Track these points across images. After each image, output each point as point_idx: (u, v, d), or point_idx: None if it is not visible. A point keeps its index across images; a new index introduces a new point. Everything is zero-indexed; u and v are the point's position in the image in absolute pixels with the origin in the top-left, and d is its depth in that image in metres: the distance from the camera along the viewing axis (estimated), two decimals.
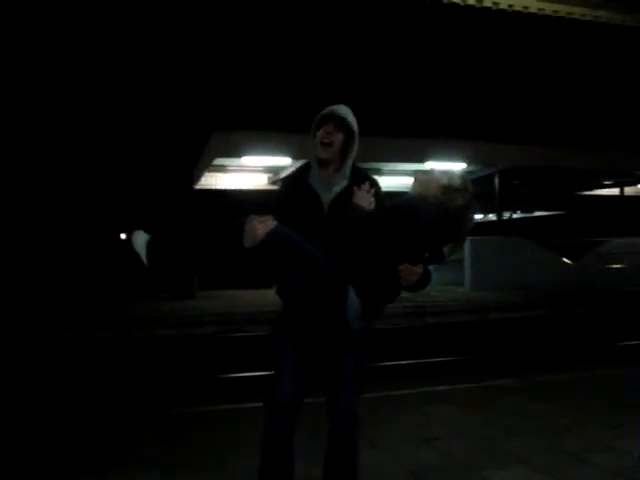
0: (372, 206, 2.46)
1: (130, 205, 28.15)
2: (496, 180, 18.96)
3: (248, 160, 15.86)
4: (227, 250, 2.28)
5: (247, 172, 18.23)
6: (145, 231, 2.45)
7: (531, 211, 28.40)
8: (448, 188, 2.42)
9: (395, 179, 19.49)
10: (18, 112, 29.67)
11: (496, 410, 4.58)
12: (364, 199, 2.46)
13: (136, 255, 2.37)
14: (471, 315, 12.23)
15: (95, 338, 9.87)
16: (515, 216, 28.08)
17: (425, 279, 2.37)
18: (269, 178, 18.79)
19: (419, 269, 2.32)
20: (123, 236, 26.41)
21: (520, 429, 4.07)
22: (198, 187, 19.78)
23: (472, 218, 2.51)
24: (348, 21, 30.26)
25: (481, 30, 26.80)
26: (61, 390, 6.31)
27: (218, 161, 16.33)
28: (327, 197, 2.54)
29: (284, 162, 15.79)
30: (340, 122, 2.52)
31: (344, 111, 2.55)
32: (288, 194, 2.64)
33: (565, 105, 29.73)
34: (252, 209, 2.57)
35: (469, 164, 17.66)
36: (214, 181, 18.98)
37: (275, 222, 2.23)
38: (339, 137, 2.53)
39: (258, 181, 18.99)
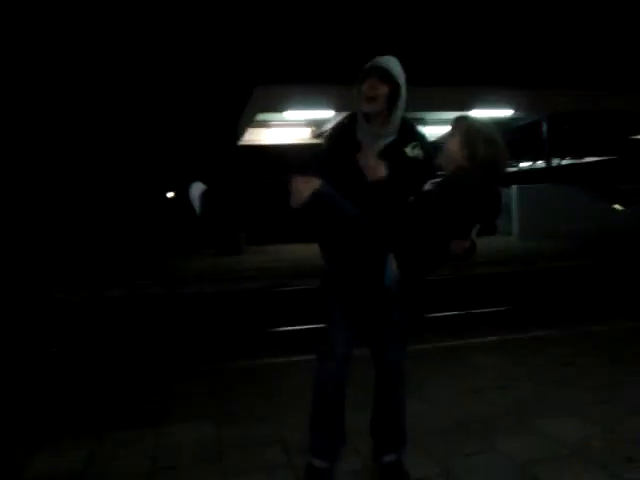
0: (379, 169, 2.36)
1: (176, 163, 28.46)
2: (544, 126, 18.40)
3: (290, 114, 15.77)
4: (273, 208, 2.28)
5: (290, 127, 18.14)
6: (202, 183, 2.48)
7: (581, 157, 27.46)
8: (492, 137, 2.32)
9: (440, 128, 19.11)
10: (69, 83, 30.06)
11: (544, 361, 4.53)
12: (369, 159, 2.39)
13: (189, 206, 2.43)
14: (519, 265, 12.06)
15: (146, 295, 10.13)
16: (564, 162, 27.25)
17: (472, 250, 2.36)
18: (312, 132, 18.66)
19: (467, 243, 2.31)
20: (170, 194, 26.85)
21: (569, 380, 4.02)
22: (242, 143, 19.83)
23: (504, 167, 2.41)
24: None
25: None
26: (116, 345, 6.50)
27: (260, 116, 16.30)
28: (373, 150, 2.48)
29: (327, 115, 15.63)
30: (385, 74, 2.44)
31: (390, 63, 2.47)
32: (334, 145, 2.62)
33: (613, 47, 28.32)
34: (298, 163, 2.58)
35: (516, 110, 17.13)
36: (257, 137, 18.98)
37: (319, 182, 2.20)
38: (384, 90, 2.44)
39: (301, 135, 18.89)
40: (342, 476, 2.69)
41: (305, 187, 2.17)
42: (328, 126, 16.17)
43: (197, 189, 2.41)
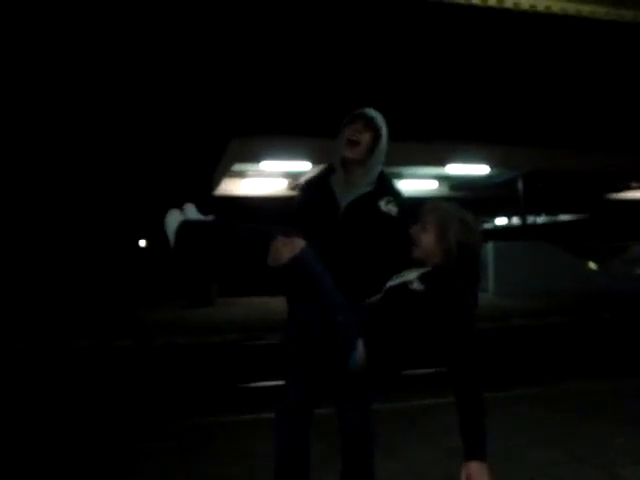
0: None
1: (149, 211, 28.24)
2: (520, 183, 18.63)
3: (267, 165, 15.75)
4: (249, 263, 2.20)
5: (266, 177, 18.10)
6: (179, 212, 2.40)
7: (556, 215, 27.91)
8: (467, 223, 2.24)
9: (416, 182, 19.24)
10: (34, 120, 29.98)
11: (517, 420, 4.46)
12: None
13: (160, 254, 2.28)
14: (494, 322, 11.90)
15: (114, 347, 9.82)
16: (540, 220, 27.64)
17: None
18: (289, 183, 18.64)
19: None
20: (142, 243, 26.53)
21: (540, 441, 3.93)
22: (217, 193, 19.71)
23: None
24: (367, 25, 30.11)
25: (500, 31, 26.45)
26: (79, 399, 6.27)
27: (237, 167, 16.25)
28: (345, 200, 2.44)
29: (303, 167, 15.63)
30: (369, 122, 2.45)
31: (375, 113, 2.49)
32: (307, 195, 2.59)
33: (590, 107, 29.20)
34: (273, 216, 2.53)
35: (492, 167, 17.35)
36: (233, 187, 18.89)
37: (302, 245, 2.09)
38: (367, 137, 2.44)
39: (277, 187, 18.85)
40: None
41: (285, 250, 2.07)
42: (304, 178, 16.14)
43: (174, 221, 2.32)
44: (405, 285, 2.15)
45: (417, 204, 2.34)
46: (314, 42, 30.60)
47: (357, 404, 2.47)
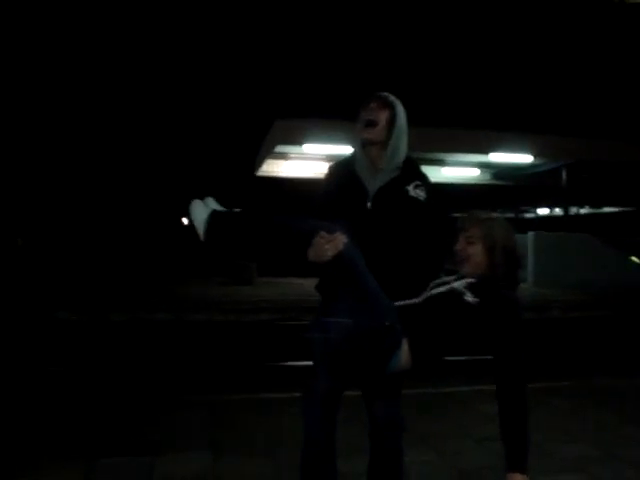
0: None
1: (193, 190, 28.70)
2: (563, 174, 18.35)
3: (309, 148, 15.87)
4: (288, 252, 2.18)
5: (308, 160, 18.24)
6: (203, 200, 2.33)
7: (599, 207, 27.34)
8: (510, 231, 2.27)
9: (458, 170, 19.14)
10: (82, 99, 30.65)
11: (550, 412, 4.42)
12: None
13: (192, 228, 2.30)
14: (532, 313, 11.87)
15: (152, 320, 10.07)
16: (582, 211, 27.13)
17: None
18: None
19: None
20: (185, 221, 27.01)
21: (576, 433, 3.91)
22: (259, 174, 19.95)
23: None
24: (412, 9, 29.76)
25: (547, 17, 25.84)
26: (116, 372, 6.42)
27: (280, 148, 16.42)
28: (373, 185, 2.40)
29: (345, 150, 15.69)
30: (383, 100, 2.41)
31: (387, 94, 2.43)
32: (333, 181, 2.52)
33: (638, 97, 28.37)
34: (309, 199, 2.48)
35: (536, 157, 17.13)
36: (275, 168, 19.10)
37: (345, 242, 2.04)
38: (383, 115, 2.38)
39: (319, 169, 18.97)
40: None
41: (329, 246, 2.02)
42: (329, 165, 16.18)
43: (201, 212, 2.27)
44: (457, 295, 2.15)
45: (442, 190, 2.40)
46: (362, 24, 30.43)
47: (388, 396, 2.45)
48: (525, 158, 17.20)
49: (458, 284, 2.17)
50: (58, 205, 28.08)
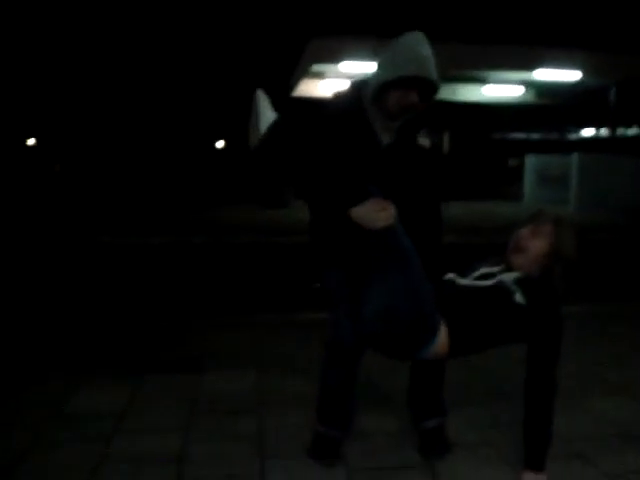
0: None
1: (226, 113, 28.49)
2: (612, 92, 17.54)
3: (346, 66, 15.45)
4: (335, 196, 2.08)
5: (345, 79, 17.79)
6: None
7: None
8: (578, 243, 2.18)
9: (501, 88, 18.47)
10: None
11: (595, 333, 4.39)
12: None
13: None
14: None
15: (189, 243, 10.18)
16: (630, 132, 26.11)
17: None
18: None
19: None
20: (219, 144, 27.00)
21: (623, 359, 3.84)
22: (295, 95, 19.60)
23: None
24: None
25: None
26: (158, 292, 6.56)
27: (315, 68, 16.04)
28: (386, 136, 2.26)
29: None
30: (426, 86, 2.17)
31: (433, 73, 2.12)
32: (342, 124, 2.23)
33: None
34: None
35: (584, 74, 16.35)
36: (311, 88, 18.71)
37: (395, 215, 1.94)
38: (415, 98, 2.18)
39: None
40: (380, 437, 2.66)
41: (381, 216, 1.93)
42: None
43: (270, 111, 2.15)
44: (505, 292, 2.09)
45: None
46: None
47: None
48: (573, 75, 16.45)
49: (507, 278, 2.12)
50: (95, 131, 28.28)
